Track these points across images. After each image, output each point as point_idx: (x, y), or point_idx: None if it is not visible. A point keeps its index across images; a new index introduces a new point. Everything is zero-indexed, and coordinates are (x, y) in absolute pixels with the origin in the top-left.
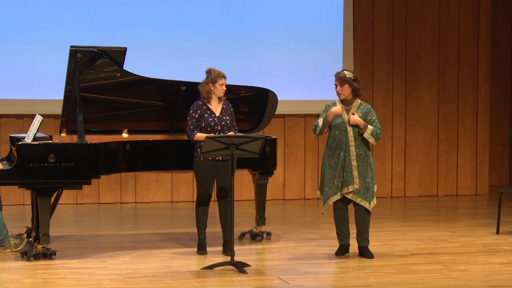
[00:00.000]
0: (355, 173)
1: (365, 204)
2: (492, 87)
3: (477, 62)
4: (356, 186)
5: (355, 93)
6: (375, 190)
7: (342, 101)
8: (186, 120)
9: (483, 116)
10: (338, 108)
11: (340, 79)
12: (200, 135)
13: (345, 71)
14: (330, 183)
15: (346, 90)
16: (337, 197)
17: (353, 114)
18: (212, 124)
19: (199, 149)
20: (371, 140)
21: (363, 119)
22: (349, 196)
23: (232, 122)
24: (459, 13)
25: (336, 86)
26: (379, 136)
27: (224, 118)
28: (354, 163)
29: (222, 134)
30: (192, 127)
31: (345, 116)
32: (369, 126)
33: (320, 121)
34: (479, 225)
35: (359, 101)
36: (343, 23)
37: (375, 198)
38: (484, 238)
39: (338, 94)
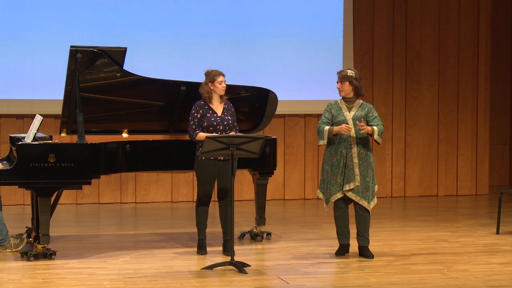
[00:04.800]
0: (357, 170)
1: (363, 203)
2: (492, 87)
3: (477, 62)
4: (357, 183)
5: (356, 92)
6: (375, 190)
7: (344, 99)
8: (187, 120)
9: (483, 116)
10: (344, 129)
11: (341, 76)
12: (202, 135)
13: (349, 70)
14: (332, 181)
15: (346, 87)
16: (339, 194)
17: (360, 122)
18: (215, 123)
19: (200, 149)
20: (380, 139)
21: (365, 117)
22: (349, 194)
23: (234, 122)
24: (459, 13)
25: (337, 83)
26: (382, 132)
27: (226, 118)
28: (356, 160)
29: (223, 134)
30: (194, 126)
31: (347, 113)
32: (373, 127)
33: (326, 132)
34: (479, 225)
35: (361, 101)
36: (343, 23)
37: (375, 198)
38: (484, 238)
39: (339, 90)
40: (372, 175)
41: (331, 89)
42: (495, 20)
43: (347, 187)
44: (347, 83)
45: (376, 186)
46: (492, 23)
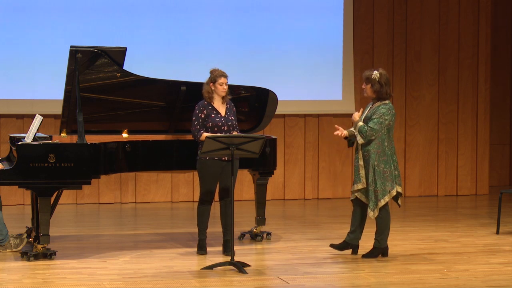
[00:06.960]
0: (362, 172)
1: (367, 202)
2: (492, 88)
3: (477, 62)
4: (361, 186)
5: (377, 95)
6: (378, 194)
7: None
8: (187, 120)
9: (483, 116)
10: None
11: (364, 78)
12: (206, 135)
13: (375, 71)
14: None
15: (368, 89)
16: (353, 194)
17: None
18: (219, 124)
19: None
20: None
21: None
22: (358, 195)
23: (235, 122)
24: (459, 13)
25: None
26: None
27: (230, 118)
28: (360, 162)
29: (223, 134)
30: (198, 127)
31: (363, 115)
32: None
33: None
34: (479, 225)
35: (380, 103)
36: (343, 23)
37: (381, 201)
38: (484, 238)
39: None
40: (375, 179)
41: (331, 89)
42: (495, 21)
43: (353, 188)
44: (369, 85)
45: (384, 197)
46: (492, 23)
